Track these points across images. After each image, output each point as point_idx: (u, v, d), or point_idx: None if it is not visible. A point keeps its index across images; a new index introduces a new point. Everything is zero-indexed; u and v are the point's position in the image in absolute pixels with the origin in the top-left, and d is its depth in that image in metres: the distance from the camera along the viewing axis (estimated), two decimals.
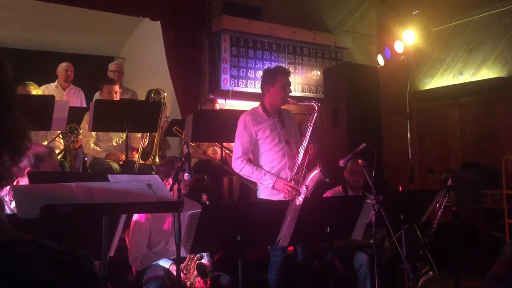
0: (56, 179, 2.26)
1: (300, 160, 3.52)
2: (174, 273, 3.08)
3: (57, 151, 4.51)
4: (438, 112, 6.58)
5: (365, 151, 3.45)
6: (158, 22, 5.93)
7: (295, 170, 3.52)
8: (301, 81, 6.54)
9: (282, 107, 3.75)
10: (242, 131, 3.60)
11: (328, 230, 2.98)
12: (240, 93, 6.08)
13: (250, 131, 3.58)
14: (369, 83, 6.04)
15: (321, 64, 6.73)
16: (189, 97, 5.84)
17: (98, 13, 5.98)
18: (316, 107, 3.57)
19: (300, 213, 2.86)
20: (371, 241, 3.54)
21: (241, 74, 6.11)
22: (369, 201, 3.17)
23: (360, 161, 3.51)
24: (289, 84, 3.63)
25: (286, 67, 6.41)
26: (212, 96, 5.65)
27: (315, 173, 3.49)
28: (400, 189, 3.60)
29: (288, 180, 3.52)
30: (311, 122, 3.58)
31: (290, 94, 3.71)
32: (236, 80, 6.06)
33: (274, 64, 6.33)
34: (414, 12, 6.23)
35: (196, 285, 3.11)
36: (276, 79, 3.59)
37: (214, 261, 3.34)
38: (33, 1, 5.78)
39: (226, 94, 5.97)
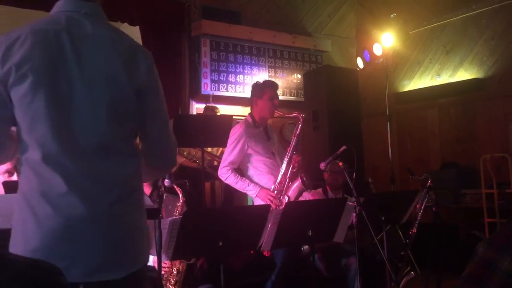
0: None
1: (283, 170, 3.60)
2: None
3: None
4: (417, 113, 6.66)
5: (346, 153, 3.48)
6: (137, 27, 5.89)
7: (278, 180, 3.61)
8: (282, 84, 6.54)
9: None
10: (234, 142, 3.71)
11: (310, 233, 2.98)
12: (221, 97, 6.06)
13: (242, 143, 3.70)
14: (349, 86, 6.07)
15: (301, 68, 6.75)
16: (169, 102, 5.75)
17: None
18: (301, 118, 3.67)
19: (282, 217, 2.86)
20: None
21: (222, 78, 6.10)
22: (350, 203, 3.19)
23: (340, 164, 3.53)
24: (276, 96, 3.76)
25: (267, 71, 6.44)
26: (213, 105, 5.68)
27: (297, 184, 3.57)
28: (374, 190, 3.64)
29: (272, 190, 3.59)
30: (295, 134, 3.67)
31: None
32: (216, 85, 6.04)
33: (254, 68, 6.35)
34: (392, 15, 6.30)
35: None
36: (263, 92, 3.73)
37: (197, 268, 3.33)
38: (9, 7, 5.68)
39: (207, 99, 5.95)
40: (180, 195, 3.28)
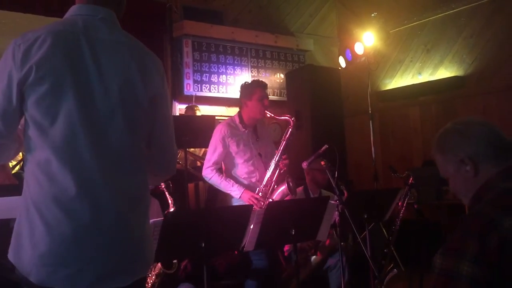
0: (11, 192, 2.19)
1: (270, 173, 3.58)
2: None
3: (14, 162, 4.38)
4: (399, 111, 6.72)
5: (328, 152, 3.49)
6: None
7: (264, 182, 3.59)
8: None
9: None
10: (216, 142, 3.66)
11: (293, 233, 2.98)
12: (204, 98, 6.05)
13: (224, 142, 3.64)
14: (332, 85, 6.11)
15: (284, 67, 6.77)
16: None
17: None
18: (292, 122, 3.64)
19: (265, 217, 2.86)
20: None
21: (204, 79, 6.08)
22: (332, 201, 3.20)
23: (323, 163, 3.54)
24: (266, 96, 3.70)
25: (249, 70, 6.44)
26: (194, 104, 5.68)
27: (282, 188, 3.56)
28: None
29: (256, 192, 3.57)
30: (285, 137, 3.64)
31: None
32: (199, 85, 6.03)
33: (237, 68, 6.35)
34: (373, 14, 6.34)
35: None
36: (253, 92, 3.66)
37: (181, 270, 3.32)
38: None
39: (190, 99, 5.93)
40: (170, 202, 3.33)
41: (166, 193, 3.37)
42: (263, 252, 3.51)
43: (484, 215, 1.35)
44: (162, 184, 3.35)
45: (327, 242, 3.87)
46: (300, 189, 4.22)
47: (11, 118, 1.50)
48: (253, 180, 3.65)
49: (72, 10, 1.63)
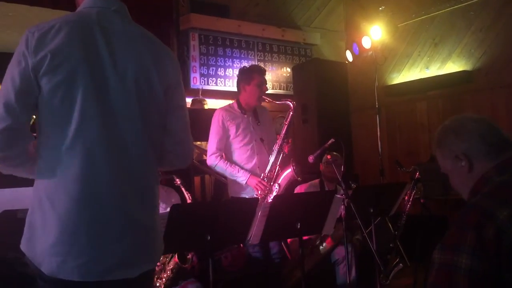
0: (17, 184, 2.20)
1: (274, 158, 3.56)
2: None
3: None
4: (406, 106, 6.68)
5: (334, 146, 3.49)
6: None
7: (268, 167, 3.57)
8: (271, 78, 6.54)
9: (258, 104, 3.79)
10: (216, 127, 3.64)
11: (298, 226, 2.98)
12: (210, 92, 6.04)
13: (224, 127, 3.62)
14: (338, 79, 6.08)
15: (290, 61, 6.75)
16: None
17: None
18: (292, 106, 3.63)
19: (271, 210, 2.86)
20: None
21: (211, 72, 6.08)
22: (338, 195, 3.19)
23: (329, 156, 3.54)
24: (265, 82, 3.68)
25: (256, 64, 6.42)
26: (201, 97, 5.66)
27: (288, 171, 3.55)
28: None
29: (261, 177, 3.55)
30: (286, 121, 3.63)
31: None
32: (206, 79, 6.03)
33: (244, 62, 6.33)
34: (381, 8, 6.30)
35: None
36: (252, 78, 3.63)
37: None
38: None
39: (196, 93, 5.92)
40: (188, 197, 3.34)
41: (182, 188, 3.38)
42: (258, 244, 3.49)
43: (479, 207, 1.36)
44: (177, 180, 3.36)
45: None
46: (316, 182, 4.23)
47: (29, 99, 1.48)
48: (250, 166, 3.61)
49: (86, 3, 1.64)
